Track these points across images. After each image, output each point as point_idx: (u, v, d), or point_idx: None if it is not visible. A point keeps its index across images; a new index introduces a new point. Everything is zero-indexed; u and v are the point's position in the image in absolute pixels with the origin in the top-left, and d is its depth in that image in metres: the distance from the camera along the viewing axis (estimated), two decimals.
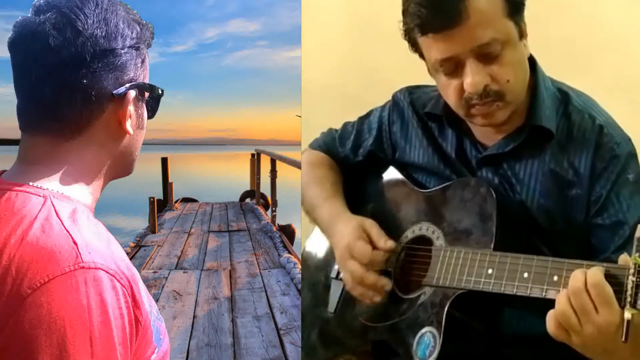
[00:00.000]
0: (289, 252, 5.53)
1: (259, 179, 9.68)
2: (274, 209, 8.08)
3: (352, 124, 1.40)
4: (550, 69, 1.12)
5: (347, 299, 1.27)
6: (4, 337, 0.49)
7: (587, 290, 0.85)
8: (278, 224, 7.61)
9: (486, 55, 0.99)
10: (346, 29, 2.23)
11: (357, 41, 2.20)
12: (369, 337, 1.19)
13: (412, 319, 1.10)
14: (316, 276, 1.36)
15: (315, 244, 1.41)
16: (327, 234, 1.29)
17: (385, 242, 1.16)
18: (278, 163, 8.15)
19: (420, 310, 1.09)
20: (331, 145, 1.41)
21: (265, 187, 9.22)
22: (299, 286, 4.25)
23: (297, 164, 5.17)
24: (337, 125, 1.48)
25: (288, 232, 7.56)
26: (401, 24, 1.06)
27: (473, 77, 1.00)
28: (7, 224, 0.55)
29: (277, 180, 8.36)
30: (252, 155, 10.56)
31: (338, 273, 1.31)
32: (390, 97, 1.35)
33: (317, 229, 1.43)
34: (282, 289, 4.29)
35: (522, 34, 1.03)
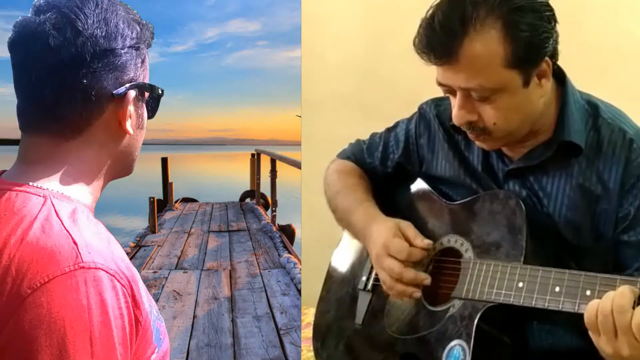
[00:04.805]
0: (289, 252, 5.53)
1: (259, 179, 9.67)
2: (274, 209, 8.08)
3: (379, 135, 1.40)
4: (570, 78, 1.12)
5: (374, 311, 1.27)
6: (4, 337, 0.49)
7: (613, 314, 0.85)
8: (278, 224, 7.61)
9: (475, 95, 1.00)
10: (364, 40, 2.23)
11: (375, 52, 2.20)
12: (396, 350, 1.18)
13: (441, 331, 1.09)
14: (343, 288, 1.36)
15: (342, 256, 1.41)
16: (363, 235, 1.28)
17: (422, 240, 1.16)
18: (278, 163, 8.14)
19: (449, 322, 1.09)
20: (359, 157, 1.41)
21: (265, 187, 9.21)
22: (299, 286, 4.25)
23: (297, 164, 5.17)
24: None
25: (288, 232, 7.56)
26: None
27: (457, 112, 1.03)
28: (7, 224, 0.55)
29: (277, 180, 8.35)
30: (252, 155, 10.55)
31: (365, 285, 1.31)
32: (405, 106, 1.35)
33: (342, 242, 1.43)
34: (282, 289, 4.29)
35: (529, 81, 1.00)
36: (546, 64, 1.00)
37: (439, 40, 0.97)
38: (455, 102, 1.03)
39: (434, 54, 0.98)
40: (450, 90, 1.04)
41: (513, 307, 1.01)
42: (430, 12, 0.99)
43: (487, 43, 0.95)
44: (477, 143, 1.11)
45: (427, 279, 1.14)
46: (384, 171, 1.37)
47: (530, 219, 1.05)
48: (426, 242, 1.15)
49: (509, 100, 1.00)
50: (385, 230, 1.19)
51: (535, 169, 1.10)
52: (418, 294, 1.15)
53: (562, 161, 1.07)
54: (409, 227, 1.19)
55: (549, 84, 1.03)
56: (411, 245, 1.16)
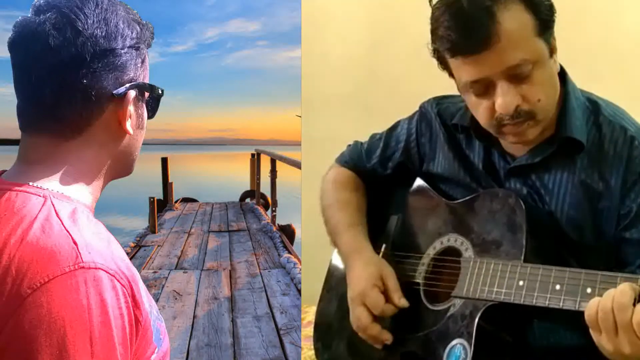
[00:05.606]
0: (289, 252, 5.53)
1: (259, 179, 9.67)
2: (274, 209, 8.08)
3: (380, 136, 1.39)
4: (572, 77, 1.11)
5: None
6: (4, 337, 0.49)
7: (613, 311, 0.85)
8: (278, 224, 7.61)
9: (517, 76, 0.98)
10: (364, 40, 2.23)
11: (375, 52, 2.20)
12: (397, 349, 1.18)
13: (442, 330, 1.09)
14: (344, 287, 1.36)
15: None
16: (345, 264, 1.29)
17: (399, 299, 1.16)
18: (278, 163, 8.15)
19: (450, 321, 1.09)
20: (358, 160, 1.41)
21: (265, 187, 9.22)
22: (299, 286, 4.25)
23: (297, 164, 5.17)
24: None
25: (288, 232, 7.56)
26: (429, 43, 1.04)
27: (504, 98, 1.00)
28: (7, 224, 0.55)
29: (277, 180, 8.36)
30: (252, 155, 10.55)
31: None
32: (405, 106, 1.34)
33: None
34: (282, 289, 4.29)
35: (552, 51, 1.02)
36: (553, 39, 1.02)
37: (474, 31, 0.96)
38: (499, 91, 1.00)
39: (474, 46, 0.97)
40: (483, 86, 1.02)
41: (514, 305, 1.01)
42: (448, 10, 0.97)
43: (516, 16, 0.96)
44: (514, 139, 1.07)
45: (388, 340, 1.16)
46: (384, 173, 1.37)
47: (530, 217, 1.05)
48: (402, 302, 1.16)
49: (544, 73, 1.01)
50: (365, 277, 1.19)
51: (537, 166, 1.10)
52: (379, 347, 1.18)
53: (564, 158, 1.07)
54: (389, 278, 1.19)
55: (557, 60, 1.05)
56: (388, 299, 1.16)
